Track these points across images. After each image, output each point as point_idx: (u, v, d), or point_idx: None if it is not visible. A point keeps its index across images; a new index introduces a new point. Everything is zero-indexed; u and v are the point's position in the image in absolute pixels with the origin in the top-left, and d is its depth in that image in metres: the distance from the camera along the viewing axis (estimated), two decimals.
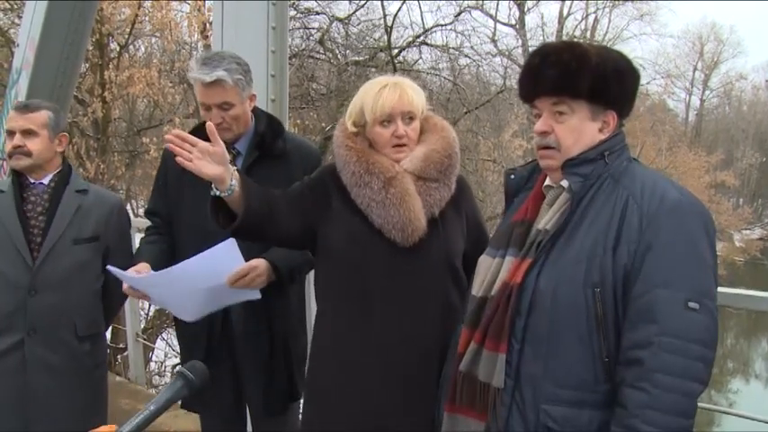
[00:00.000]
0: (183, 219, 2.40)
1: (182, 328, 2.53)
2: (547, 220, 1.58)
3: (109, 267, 2.20)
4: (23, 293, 2.38)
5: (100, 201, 2.53)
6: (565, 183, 1.60)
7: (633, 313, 1.44)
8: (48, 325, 2.40)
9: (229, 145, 2.37)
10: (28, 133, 2.43)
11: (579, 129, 1.58)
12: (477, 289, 1.66)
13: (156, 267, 2.23)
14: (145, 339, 5.46)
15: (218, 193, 1.91)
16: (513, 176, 1.79)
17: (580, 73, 1.54)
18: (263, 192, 1.99)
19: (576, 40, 21.94)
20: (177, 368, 1.39)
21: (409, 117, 2.01)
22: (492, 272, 1.63)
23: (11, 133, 2.43)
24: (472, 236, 2.08)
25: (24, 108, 2.46)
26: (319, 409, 2.06)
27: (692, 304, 1.41)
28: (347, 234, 1.99)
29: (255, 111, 2.44)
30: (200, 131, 2.42)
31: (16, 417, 2.38)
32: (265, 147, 2.36)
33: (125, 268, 2.50)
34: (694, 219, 1.48)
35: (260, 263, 2.21)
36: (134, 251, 2.53)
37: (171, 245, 2.43)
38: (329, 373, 2.03)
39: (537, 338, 1.50)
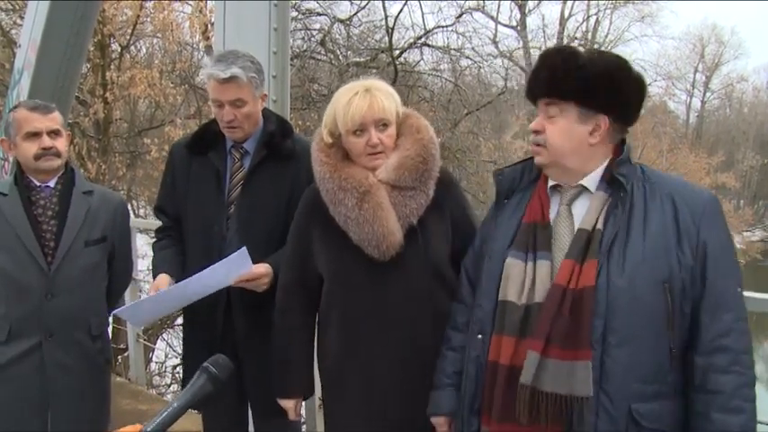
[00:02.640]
0: (189, 216, 2.41)
1: (186, 328, 2.54)
2: (591, 220, 1.59)
3: (116, 312, 2.27)
4: (38, 298, 2.37)
5: (105, 201, 2.54)
6: (589, 182, 1.65)
7: (708, 304, 1.54)
8: (64, 328, 2.41)
9: (238, 144, 2.39)
10: (54, 134, 2.43)
11: (567, 130, 1.63)
12: (516, 296, 1.61)
13: (175, 277, 2.30)
14: (145, 340, 5.46)
15: None
16: (500, 177, 1.81)
17: (566, 75, 1.60)
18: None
19: (578, 42, 21.99)
20: (203, 364, 1.36)
21: (382, 124, 1.96)
22: (529, 277, 1.61)
23: (35, 135, 2.39)
24: (459, 233, 2.03)
25: (45, 108, 2.44)
26: (329, 424, 2.13)
27: (739, 289, 1.58)
28: (330, 252, 2.01)
29: (264, 111, 2.45)
30: (206, 132, 2.44)
31: (37, 419, 2.39)
32: (274, 146, 2.36)
33: (125, 266, 2.50)
34: (722, 212, 1.62)
35: (268, 271, 2.24)
36: (134, 249, 2.55)
37: (182, 246, 2.45)
38: (329, 389, 2.09)
39: (619, 338, 1.51)
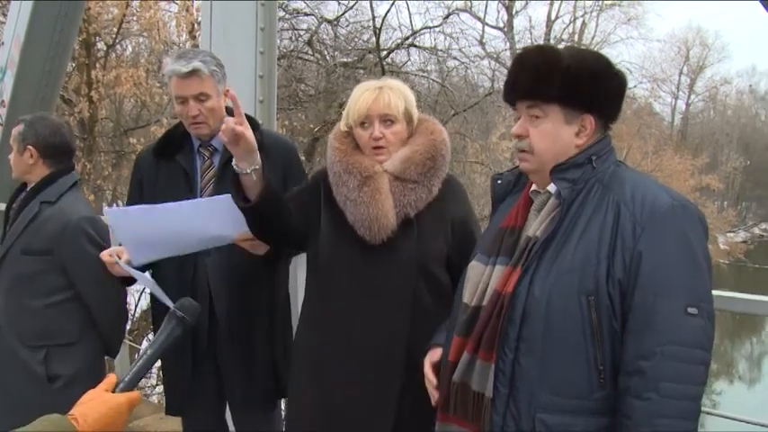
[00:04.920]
0: None
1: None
2: (536, 226, 1.56)
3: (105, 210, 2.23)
4: None
5: (57, 215, 2.47)
6: (552, 188, 1.59)
7: (634, 323, 1.43)
8: (4, 326, 2.49)
9: (205, 142, 2.39)
10: (10, 147, 2.58)
11: (553, 133, 1.56)
12: (469, 297, 1.64)
13: None
14: (131, 341, 5.41)
15: (241, 170, 1.96)
16: (499, 181, 1.77)
17: (550, 76, 1.54)
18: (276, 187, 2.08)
19: (564, 43, 22.12)
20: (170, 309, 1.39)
21: (388, 120, 2.01)
22: (484, 280, 1.62)
23: None
24: (456, 239, 2.06)
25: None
26: (294, 408, 2.14)
27: (691, 310, 1.41)
28: (325, 231, 2.05)
29: (228, 109, 2.43)
30: (172, 135, 2.44)
31: None
32: None
33: (93, 291, 2.47)
34: (687, 222, 1.47)
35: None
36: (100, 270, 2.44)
37: None
38: (301, 370, 2.10)
39: (531, 347, 1.48)
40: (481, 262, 1.65)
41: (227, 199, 2.02)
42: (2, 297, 2.49)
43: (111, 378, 1.28)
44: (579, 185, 1.53)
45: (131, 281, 2.41)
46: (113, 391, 1.26)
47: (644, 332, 1.42)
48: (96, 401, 1.22)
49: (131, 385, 1.28)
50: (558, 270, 1.48)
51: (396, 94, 2.02)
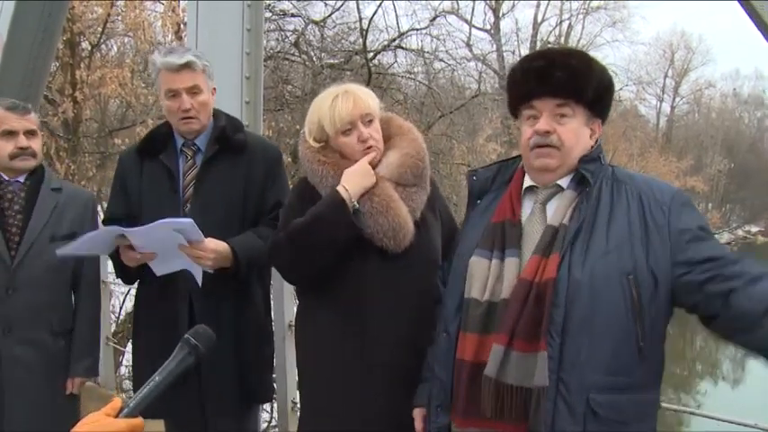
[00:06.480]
0: (146, 219, 2.34)
1: (143, 329, 2.48)
2: (558, 217, 1.62)
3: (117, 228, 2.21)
4: (1, 292, 2.38)
5: (74, 197, 2.55)
6: (563, 182, 1.67)
7: (713, 273, 1.53)
8: (24, 323, 2.41)
9: (189, 141, 2.38)
10: (31, 134, 2.47)
11: (578, 132, 1.66)
12: (479, 293, 1.64)
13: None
14: (115, 343, 5.38)
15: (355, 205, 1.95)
16: (475, 178, 1.83)
17: (588, 79, 1.63)
18: None
19: (550, 45, 22.26)
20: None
21: (368, 120, 2.02)
22: (493, 274, 1.64)
23: (11, 134, 2.43)
24: (446, 230, 2.11)
25: (23, 109, 2.48)
26: (316, 413, 2.07)
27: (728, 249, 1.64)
28: None
29: (213, 110, 2.45)
30: (156, 134, 2.43)
31: None
32: (225, 140, 2.36)
33: (93, 263, 2.47)
34: (691, 203, 1.67)
35: (225, 250, 2.22)
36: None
37: None
38: (326, 380, 2.03)
39: (579, 329, 1.52)
40: (483, 257, 1.67)
41: (190, 222, 2.12)
42: (26, 290, 2.41)
43: (115, 402, 1.22)
44: (595, 177, 1.63)
45: (137, 276, 2.40)
46: (116, 416, 1.20)
47: (726, 267, 1.53)
48: (96, 425, 1.18)
49: (135, 411, 1.21)
50: (594, 254, 1.55)
51: (365, 94, 2.05)
